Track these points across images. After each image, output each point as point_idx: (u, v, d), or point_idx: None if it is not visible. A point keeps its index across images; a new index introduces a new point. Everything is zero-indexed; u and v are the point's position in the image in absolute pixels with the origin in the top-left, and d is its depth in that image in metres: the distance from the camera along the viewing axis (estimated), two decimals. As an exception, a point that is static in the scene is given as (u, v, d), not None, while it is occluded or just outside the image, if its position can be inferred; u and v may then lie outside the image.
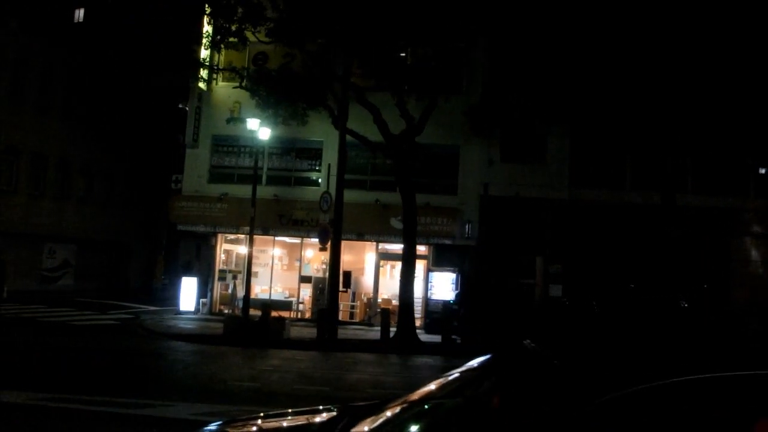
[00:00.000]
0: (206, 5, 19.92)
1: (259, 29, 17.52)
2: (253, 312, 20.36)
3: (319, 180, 21.82)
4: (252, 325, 16.99)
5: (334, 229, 17.30)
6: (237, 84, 21.64)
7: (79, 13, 30.69)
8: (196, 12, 22.48)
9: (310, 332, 18.22)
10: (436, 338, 17.66)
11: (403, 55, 20.34)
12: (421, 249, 21.33)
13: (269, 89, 19.31)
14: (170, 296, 29.57)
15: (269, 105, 19.56)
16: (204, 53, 22.32)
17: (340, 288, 18.13)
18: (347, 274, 19.13)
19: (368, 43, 17.16)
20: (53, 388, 9.00)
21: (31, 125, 26.46)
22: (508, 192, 20.92)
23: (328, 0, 17.04)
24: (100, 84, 29.17)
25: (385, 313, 17.38)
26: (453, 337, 17.27)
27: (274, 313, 17.18)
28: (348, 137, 17.99)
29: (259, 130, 17.97)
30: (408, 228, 17.62)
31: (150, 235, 32.61)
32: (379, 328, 20.52)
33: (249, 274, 17.95)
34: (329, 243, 17.40)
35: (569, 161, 21.00)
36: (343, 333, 17.83)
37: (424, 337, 18.40)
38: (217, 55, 21.82)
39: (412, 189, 17.68)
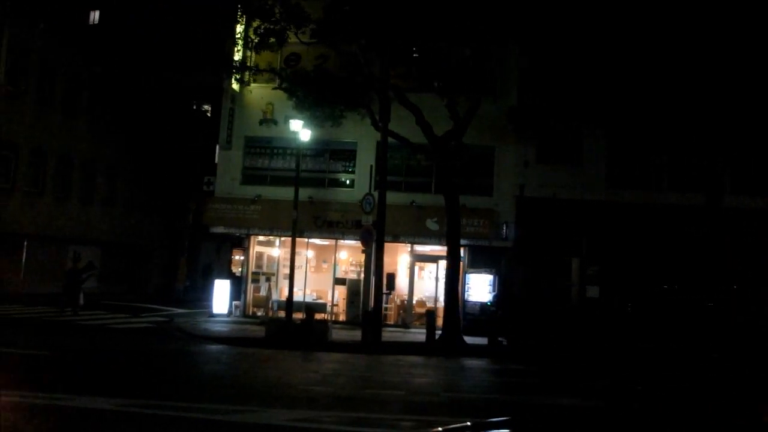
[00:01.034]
0: (239, 6, 19.86)
1: (304, 30, 17.42)
2: (281, 314, 20.32)
3: (354, 181, 21.71)
4: (295, 328, 16.89)
5: (377, 230, 17.19)
6: (271, 86, 21.67)
7: (95, 15, 30.57)
8: (228, 13, 22.45)
9: (349, 335, 18.13)
10: (481, 340, 17.52)
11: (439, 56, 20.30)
12: (443, 250, 21.27)
13: (307, 90, 19.23)
14: (194, 299, 29.50)
15: (306, 106, 19.48)
16: (237, 55, 22.26)
17: (384, 290, 17.99)
18: (390, 276, 19.00)
19: (410, 44, 17.10)
20: (129, 394, 8.89)
21: (57, 128, 26.39)
22: (543, 193, 20.81)
23: (372, 1, 16.96)
24: (125, 86, 29.08)
25: (431, 315, 17.28)
26: (500, 339, 17.14)
27: (317, 316, 17.09)
28: (376, 143, 17.92)
29: (301, 131, 17.81)
30: (451, 229, 17.52)
31: (171, 238, 32.52)
32: (415, 330, 20.53)
33: (292, 276, 17.84)
34: (372, 244, 17.28)
35: (606, 162, 20.89)
36: (382, 335, 17.74)
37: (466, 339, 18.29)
38: (250, 57, 21.72)
39: (455, 190, 17.58)
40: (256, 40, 19.11)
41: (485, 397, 10.16)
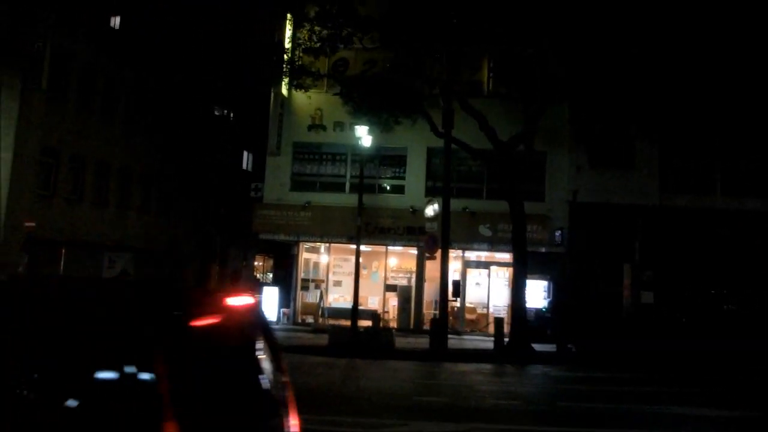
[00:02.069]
0: (294, 12, 19.79)
1: (372, 34, 17.35)
2: (331, 322, 20.19)
3: (404, 187, 21.61)
4: (361, 336, 16.76)
5: (441, 237, 17.10)
6: (319, 91, 21.58)
7: (127, 20, 30.37)
8: (274, 18, 22.37)
9: (409, 342, 18.02)
10: (543, 346, 17.41)
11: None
12: (506, 257, 21.22)
13: (364, 96, 19.10)
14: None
15: (363, 112, 19.36)
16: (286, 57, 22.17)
17: (450, 297, 17.88)
18: (456, 284, 18.87)
19: (478, 50, 17.08)
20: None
21: (95, 134, 26.14)
22: (596, 198, 20.77)
23: (436, 8, 16.92)
24: (158, 93, 28.90)
25: (499, 322, 17.17)
26: (569, 346, 17.05)
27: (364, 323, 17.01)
28: (433, 145, 17.80)
29: (364, 137, 17.72)
30: (517, 235, 17.46)
31: (202, 244, 32.25)
32: (469, 337, 20.46)
33: (357, 284, 17.71)
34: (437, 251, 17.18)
35: (659, 167, 20.88)
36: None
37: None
38: (298, 61, 21.61)
39: (520, 196, 17.51)
40: (316, 45, 19.04)
41: (613, 408, 9.82)
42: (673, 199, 20.55)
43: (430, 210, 17.53)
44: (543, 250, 20.69)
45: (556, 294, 20.16)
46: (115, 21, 27.90)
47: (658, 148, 20.90)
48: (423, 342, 17.27)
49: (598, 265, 20.75)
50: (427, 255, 17.89)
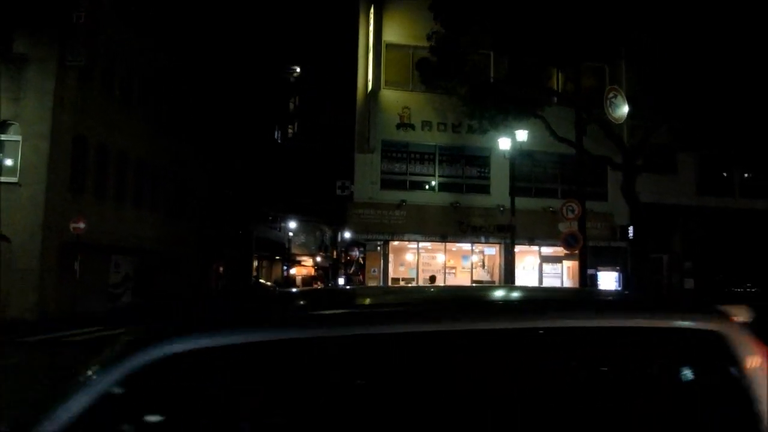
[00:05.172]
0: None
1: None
2: None
3: (489, 187, 22.56)
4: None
5: (582, 235, 18.48)
6: (402, 89, 21.81)
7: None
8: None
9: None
10: None
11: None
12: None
13: (475, 97, 19.76)
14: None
15: (477, 114, 20.03)
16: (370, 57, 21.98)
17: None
18: (593, 277, 20.18)
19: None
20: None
21: (118, 123, 23.35)
22: (648, 199, 23.55)
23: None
24: (178, 85, 26.46)
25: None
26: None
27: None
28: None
29: (517, 133, 18.55)
30: (637, 232, 19.42)
31: (198, 245, 29.87)
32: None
33: (513, 275, 18.38)
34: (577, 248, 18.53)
35: (695, 173, 24.29)
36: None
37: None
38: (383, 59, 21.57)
39: (637, 197, 19.50)
40: (432, 45, 19.32)
41: None
42: (707, 200, 24.07)
43: (568, 212, 18.72)
44: (608, 244, 22.98)
45: (624, 283, 22.59)
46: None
47: (694, 157, 24.25)
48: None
49: (653, 257, 23.57)
50: (565, 253, 19.11)
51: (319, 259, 68.78)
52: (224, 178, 31.63)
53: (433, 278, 20.32)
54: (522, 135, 18.51)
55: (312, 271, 66.78)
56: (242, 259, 36.47)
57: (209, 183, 30.13)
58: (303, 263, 65.23)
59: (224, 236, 30.85)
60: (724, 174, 24.96)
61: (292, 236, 60.56)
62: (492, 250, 22.84)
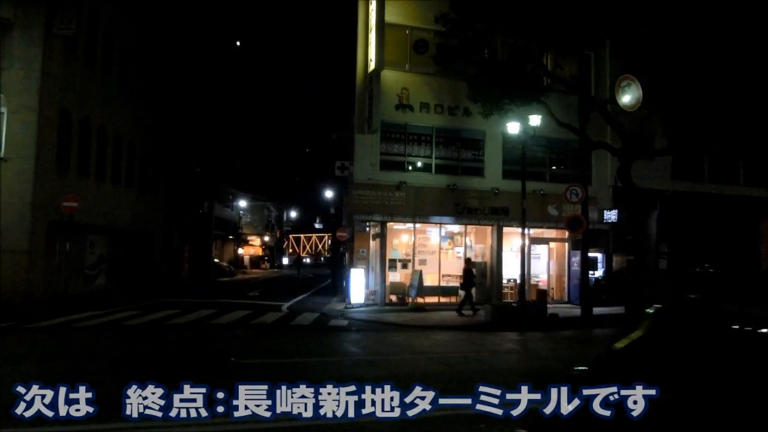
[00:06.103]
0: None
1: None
2: (420, 300, 21.00)
3: (483, 170, 22.86)
4: (514, 311, 18.02)
5: (585, 219, 19.16)
6: (401, 70, 21.79)
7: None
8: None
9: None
10: (604, 309, 20.47)
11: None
12: (553, 234, 24.04)
13: (482, 81, 19.93)
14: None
15: (479, 97, 20.19)
16: (371, 38, 21.76)
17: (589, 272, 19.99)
18: (593, 259, 20.78)
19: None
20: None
21: (97, 96, 22.11)
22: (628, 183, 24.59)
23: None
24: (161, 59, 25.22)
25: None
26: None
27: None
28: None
29: (532, 118, 18.89)
30: (632, 216, 20.30)
31: (173, 225, 28.76)
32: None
33: (524, 263, 18.81)
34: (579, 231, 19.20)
35: (671, 158, 25.47)
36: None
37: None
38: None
39: (633, 182, 20.31)
40: (441, 29, 19.36)
41: None
42: (679, 184, 25.35)
43: (572, 195, 19.25)
44: (593, 227, 23.81)
45: (608, 264, 23.57)
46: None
47: (669, 142, 25.40)
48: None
49: (631, 239, 24.65)
50: (571, 235, 19.71)
51: (267, 238, 67.82)
52: (194, 153, 30.57)
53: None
54: (535, 120, 18.86)
55: (260, 251, 65.80)
56: (204, 239, 35.49)
57: (180, 158, 29.04)
58: (251, 242, 64.13)
59: (188, 214, 29.87)
60: (695, 160, 26.30)
61: (242, 215, 59.36)
62: (485, 232, 23.26)
